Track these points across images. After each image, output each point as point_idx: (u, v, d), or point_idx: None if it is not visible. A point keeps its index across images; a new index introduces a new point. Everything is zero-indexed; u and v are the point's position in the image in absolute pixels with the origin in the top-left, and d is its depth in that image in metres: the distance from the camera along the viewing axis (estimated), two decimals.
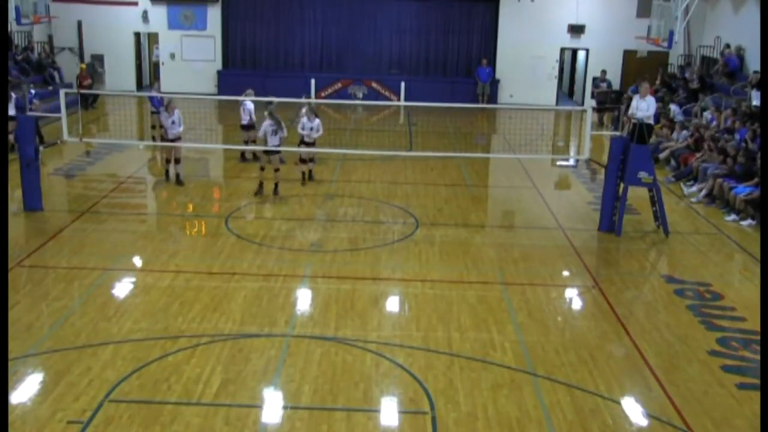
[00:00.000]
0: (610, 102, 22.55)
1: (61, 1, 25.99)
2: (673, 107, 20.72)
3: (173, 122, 14.59)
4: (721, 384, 7.87)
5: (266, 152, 14.17)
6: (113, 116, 22.61)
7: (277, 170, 14.21)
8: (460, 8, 27.30)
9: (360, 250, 11.66)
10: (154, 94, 18.21)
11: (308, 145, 15.05)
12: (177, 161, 14.94)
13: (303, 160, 15.23)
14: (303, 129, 14.96)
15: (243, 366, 7.88)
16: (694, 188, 15.44)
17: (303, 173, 15.28)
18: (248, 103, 16.28)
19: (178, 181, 15.00)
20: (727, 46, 21.94)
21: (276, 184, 14.27)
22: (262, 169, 14.31)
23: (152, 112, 18.32)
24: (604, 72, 25.22)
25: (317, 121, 14.88)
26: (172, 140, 14.73)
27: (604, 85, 24.56)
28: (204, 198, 14.70)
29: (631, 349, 8.60)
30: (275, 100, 15.18)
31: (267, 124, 13.97)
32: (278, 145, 14.16)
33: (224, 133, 22.07)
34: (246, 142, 16.64)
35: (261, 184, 14.29)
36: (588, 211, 14.16)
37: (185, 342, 8.36)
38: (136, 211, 13.86)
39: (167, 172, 15.34)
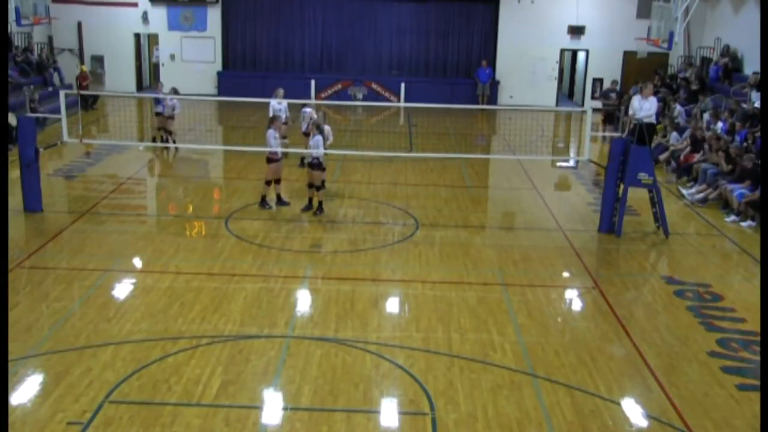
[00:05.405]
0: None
1: (61, 2, 26.03)
2: (678, 107, 20.73)
3: (275, 139, 13.23)
4: (721, 385, 7.86)
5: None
6: (113, 117, 22.63)
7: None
8: (460, 9, 27.33)
9: (360, 251, 11.66)
10: (160, 95, 18.12)
11: (311, 166, 13.19)
12: (278, 181, 13.60)
13: (310, 185, 13.40)
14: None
15: (243, 367, 7.88)
16: (694, 189, 15.45)
17: (310, 199, 13.44)
18: (307, 110, 15.91)
19: (283, 202, 13.64)
20: (721, 54, 22.00)
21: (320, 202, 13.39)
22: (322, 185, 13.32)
23: (156, 113, 18.29)
24: (615, 82, 24.03)
25: (318, 137, 12.94)
26: (278, 160, 13.46)
27: (613, 95, 23.06)
28: (204, 199, 14.71)
29: (631, 350, 8.59)
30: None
31: (318, 139, 12.91)
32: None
33: (224, 134, 22.12)
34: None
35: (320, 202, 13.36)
36: (588, 212, 14.16)
37: (185, 343, 8.36)
38: (136, 212, 13.86)
39: (264, 197, 13.56)
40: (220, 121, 23.88)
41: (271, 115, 15.29)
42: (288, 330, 8.83)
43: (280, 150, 13.44)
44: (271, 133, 13.18)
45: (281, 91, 16.51)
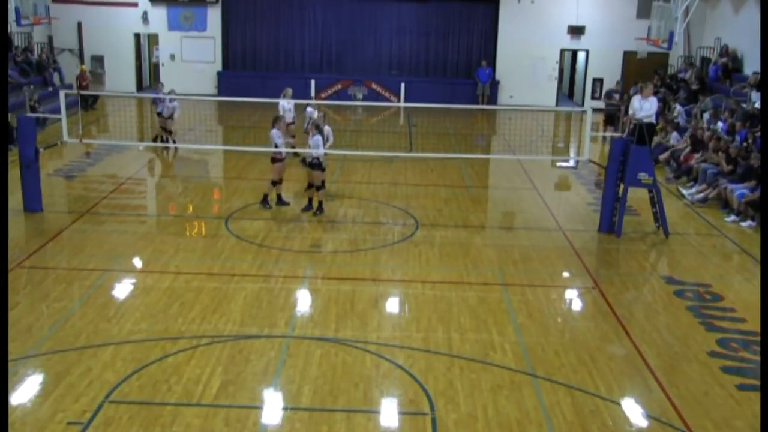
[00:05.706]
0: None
1: (61, 2, 26.02)
2: (678, 107, 20.70)
3: (280, 138, 13.17)
4: (721, 385, 7.87)
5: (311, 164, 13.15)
6: (113, 117, 22.63)
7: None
8: (460, 9, 27.33)
9: (360, 251, 11.66)
10: (160, 95, 18.10)
11: (311, 166, 13.20)
12: (280, 181, 13.55)
13: (310, 185, 13.49)
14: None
15: (243, 367, 7.88)
16: (694, 189, 15.45)
17: (310, 200, 13.47)
18: (309, 109, 15.86)
19: (284, 201, 13.66)
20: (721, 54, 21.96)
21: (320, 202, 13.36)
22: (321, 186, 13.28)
23: (158, 113, 18.27)
24: (618, 83, 24.04)
25: (317, 137, 12.96)
26: (283, 159, 13.41)
27: (616, 96, 22.82)
28: (204, 199, 14.71)
29: (631, 350, 8.59)
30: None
31: (318, 139, 12.93)
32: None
33: (224, 134, 22.12)
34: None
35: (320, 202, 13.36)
36: (588, 212, 14.17)
37: (185, 343, 8.36)
38: (136, 212, 13.85)
39: (266, 196, 13.52)
40: (220, 121, 23.88)
41: (281, 114, 15.27)
42: (288, 330, 8.83)
43: (284, 150, 13.43)
44: (275, 133, 13.11)
45: (290, 91, 16.51)
